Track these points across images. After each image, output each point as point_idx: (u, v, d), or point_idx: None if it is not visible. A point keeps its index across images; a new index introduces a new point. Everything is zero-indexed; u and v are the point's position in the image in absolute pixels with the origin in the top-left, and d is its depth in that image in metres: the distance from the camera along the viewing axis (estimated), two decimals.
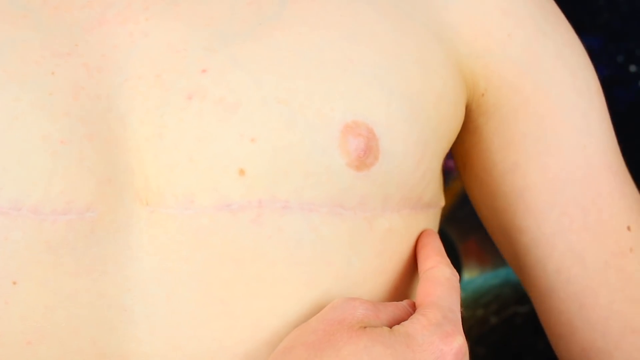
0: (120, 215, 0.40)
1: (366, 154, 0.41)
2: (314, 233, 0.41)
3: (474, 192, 0.52)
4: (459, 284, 0.43)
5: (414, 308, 0.43)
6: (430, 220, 0.47)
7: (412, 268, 0.46)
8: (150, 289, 0.40)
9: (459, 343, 0.39)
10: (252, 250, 0.40)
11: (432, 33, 0.45)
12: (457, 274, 0.44)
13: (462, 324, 0.40)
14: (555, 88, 0.48)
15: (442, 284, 0.42)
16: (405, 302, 0.43)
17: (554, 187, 0.48)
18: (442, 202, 0.48)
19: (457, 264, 1.07)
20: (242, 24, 0.42)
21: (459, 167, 0.53)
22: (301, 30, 0.42)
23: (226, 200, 0.40)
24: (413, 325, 0.39)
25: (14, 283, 0.39)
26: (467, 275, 1.07)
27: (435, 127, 0.44)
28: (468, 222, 1.06)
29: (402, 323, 0.40)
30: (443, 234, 1.09)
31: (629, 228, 0.48)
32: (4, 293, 0.39)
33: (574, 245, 0.48)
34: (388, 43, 0.43)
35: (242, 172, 0.39)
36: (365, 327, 0.39)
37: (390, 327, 0.40)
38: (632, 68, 1.03)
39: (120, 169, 0.40)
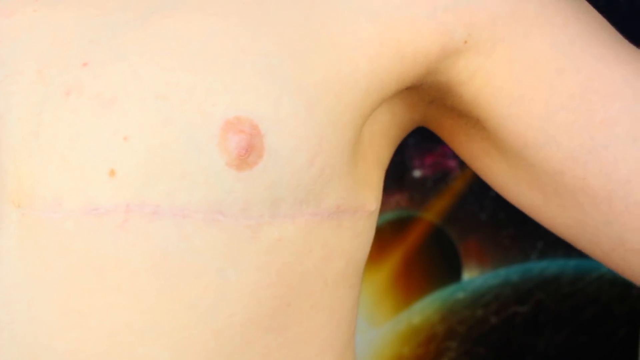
0: None
1: (248, 152, 0.37)
2: (185, 242, 0.37)
3: (506, 132, 0.44)
4: None
5: None
6: (348, 230, 0.42)
7: (310, 283, 0.41)
8: (12, 295, 0.38)
9: None
10: (115, 259, 0.37)
11: (360, 12, 0.40)
12: None
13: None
14: (561, 4, 0.42)
15: None
16: None
17: (619, 80, 0.41)
18: (368, 206, 0.43)
19: (457, 264, 1.07)
20: (134, 13, 0.39)
21: (474, 124, 0.45)
22: (193, 18, 0.39)
23: (93, 203, 0.37)
24: None
25: None
26: (467, 275, 1.07)
27: (338, 117, 0.40)
28: (468, 222, 1.06)
29: None
30: (443, 234, 1.09)
31: None
32: None
33: None
34: (292, 30, 0.39)
35: (112, 172, 0.37)
36: None
37: None
38: None
39: None
